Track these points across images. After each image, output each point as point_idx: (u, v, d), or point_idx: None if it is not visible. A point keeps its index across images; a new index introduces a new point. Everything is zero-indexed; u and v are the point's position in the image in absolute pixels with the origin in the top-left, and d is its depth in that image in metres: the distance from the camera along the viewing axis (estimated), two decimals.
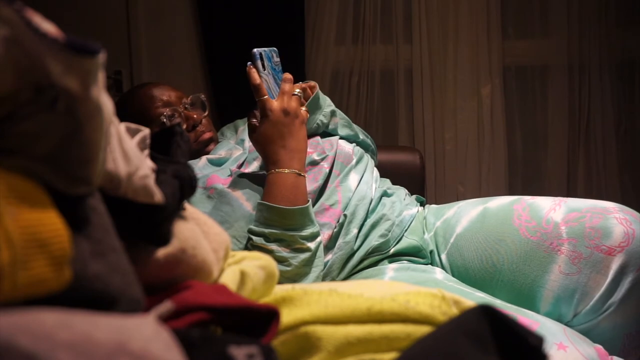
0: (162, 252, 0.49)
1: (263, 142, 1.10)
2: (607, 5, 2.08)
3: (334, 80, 2.24)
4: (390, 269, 1.09)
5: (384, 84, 2.26)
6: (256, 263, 0.61)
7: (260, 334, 0.48)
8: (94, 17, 2.27)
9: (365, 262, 1.11)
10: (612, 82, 2.11)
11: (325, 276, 1.09)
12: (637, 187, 2.13)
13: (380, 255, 1.12)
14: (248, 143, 1.32)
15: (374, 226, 1.13)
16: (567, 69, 2.13)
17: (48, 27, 0.34)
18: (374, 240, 1.11)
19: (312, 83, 1.27)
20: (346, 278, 1.10)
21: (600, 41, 2.09)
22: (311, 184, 1.13)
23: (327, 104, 1.31)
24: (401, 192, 1.29)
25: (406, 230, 1.17)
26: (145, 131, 0.53)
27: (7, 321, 0.29)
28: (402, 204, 1.22)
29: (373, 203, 1.17)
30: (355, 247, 1.10)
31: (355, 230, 1.11)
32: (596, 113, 2.12)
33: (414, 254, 1.16)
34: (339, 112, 1.35)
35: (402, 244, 1.14)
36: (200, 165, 1.20)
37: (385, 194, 1.23)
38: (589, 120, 2.13)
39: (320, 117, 1.27)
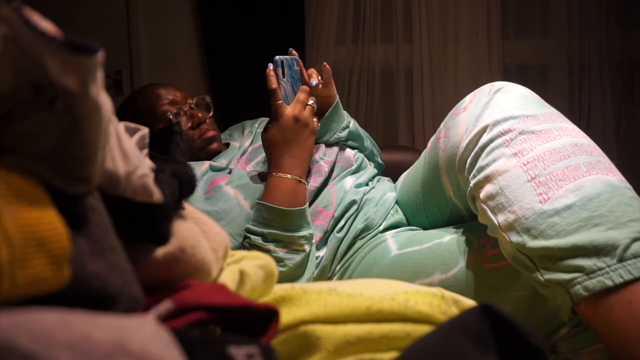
0: (161, 252, 0.49)
1: (269, 145, 1.13)
2: (607, 5, 2.08)
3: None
4: (388, 235, 1.11)
5: (384, 83, 2.26)
6: (255, 262, 0.61)
7: (259, 334, 0.48)
8: (94, 17, 2.27)
9: (358, 244, 1.12)
10: (612, 82, 2.11)
11: (323, 270, 1.10)
12: (637, 187, 2.13)
13: (371, 232, 1.13)
14: (247, 142, 1.32)
15: (359, 211, 1.15)
16: (567, 69, 2.13)
17: (46, 25, 0.34)
18: (359, 223, 1.13)
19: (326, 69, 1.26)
20: (345, 264, 1.10)
21: (600, 41, 2.09)
22: (311, 181, 1.15)
23: (346, 122, 1.31)
24: (384, 179, 1.32)
25: (392, 208, 1.19)
26: (144, 130, 0.53)
27: (6, 321, 0.29)
28: (385, 187, 1.24)
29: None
30: (342, 235, 1.12)
31: (342, 222, 1.13)
32: (596, 113, 2.12)
33: (404, 225, 1.18)
34: (356, 128, 1.35)
35: (390, 220, 1.16)
36: (203, 170, 1.21)
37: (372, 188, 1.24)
38: (589, 120, 2.13)
39: (341, 135, 1.29)
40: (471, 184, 0.89)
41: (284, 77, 1.16)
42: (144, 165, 0.47)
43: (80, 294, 0.37)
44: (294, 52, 1.22)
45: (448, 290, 0.92)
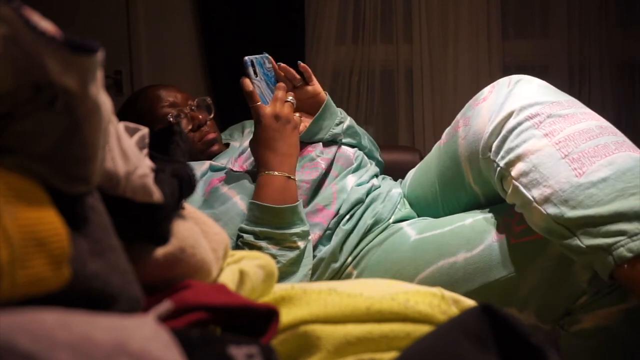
0: (161, 252, 0.49)
1: (255, 146, 1.14)
2: (607, 5, 2.07)
3: (334, 80, 2.24)
4: (403, 224, 1.12)
5: (384, 83, 2.26)
6: (255, 262, 0.61)
7: (259, 334, 0.48)
8: (94, 17, 2.27)
9: (369, 237, 1.12)
10: (612, 82, 2.11)
11: (332, 259, 1.10)
12: None
13: (381, 226, 1.14)
14: (246, 142, 1.33)
15: (366, 208, 1.15)
16: (567, 69, 2.13)
17: (46, 25, 0.34)
18: (369, 219, 1.13)
19: (303, 67, 1.25)
20: (358, 255, 1.11)
21: (600, 41, 2.09)
22: (307, 176, 1.15)
23: (340, 118, 1.30)
24: (387, 178, 1.33)
25: (398, 203, 1.20)
26: (144, 130, 0.53)
27: (6, 321, 0.29)
28: (389, 184, 1.26)
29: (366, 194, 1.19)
30: (350, 227, 1.12)
31: (348, 216, 1.14)
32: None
33: (412, 217, 1.19)
34: (353, 124, 1.35)
35: (398, 215, 1.17)
36: (203, 170, 1.21)
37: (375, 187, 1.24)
38: None
39: (336, 130, 1.28)
40: (501, 164, 0.92)
41: (256, 77, 1.16)
42: (143, 165, 0.47)
43: (80, 294, 0.37)
44: (265, 53, 1.22)
45: (473, 267, 0.97)
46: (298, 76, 1.24)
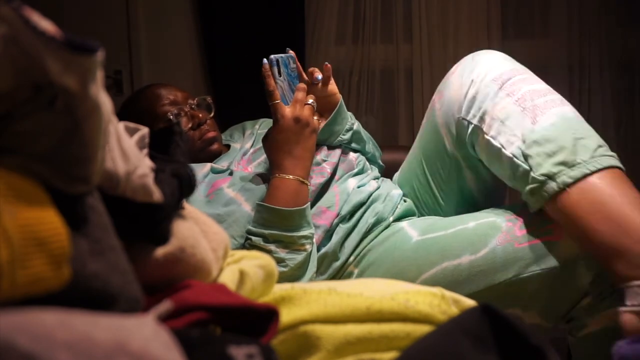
0: (161, 251, 0.49)
1: (271, 146, 1.13)
2: (607, 5, 2.07)
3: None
4: (404, 224, 1.13)
5: (384, 83, 2.25)
6: (255, 262, 0.61)
7: (259, 334, 0.48)
8: (94, 17, 2.27)
9: (370, 236, 1.12)
10: (612, 82, 2.10)
11: (332, 258, 1.10)
12: (638, 186, 2.13)
13: (382, 225, 1.14)
14: (248, 144, 1.32)
15: (367, 208, 1.15)
16: (567, 69, 2.13)
17: (46, 25, 0.34)
18: (370, 218, 1.14)
19: (324, 69, 1.26)
20: (359, 254, 1.11)
21: (600, 41, 2.09)
22: (313, 180, 1.15)
23: (349, 124, 1.30)
24: (387, 180, 1.33)
25: (399, 204, 1.20)
26: (144, 130, 0.53)
27: (6, 321, 0.29)
28: (389, 186, 1.26)
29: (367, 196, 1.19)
30: (350, 225, 1.12)
31: (348, 216, 1.14)
32: (596, 113, 2.11)
33: (413, 215, 1.21)
34: (359, 129, 1.34)
35: (397, 212, 1.17)
36: (204, 172, 1.20)
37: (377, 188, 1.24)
38: (589, 120, 2.11)
39: (345, 137, 1.28)
40: (474, 122, 1.05)
41: (280, 76, 1.16)
42: (143, 165, 0.47)
43: (80, 294, 0.37)
44: (290, 51, 1.22)
45: (477, 269, 0.99)
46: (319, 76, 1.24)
